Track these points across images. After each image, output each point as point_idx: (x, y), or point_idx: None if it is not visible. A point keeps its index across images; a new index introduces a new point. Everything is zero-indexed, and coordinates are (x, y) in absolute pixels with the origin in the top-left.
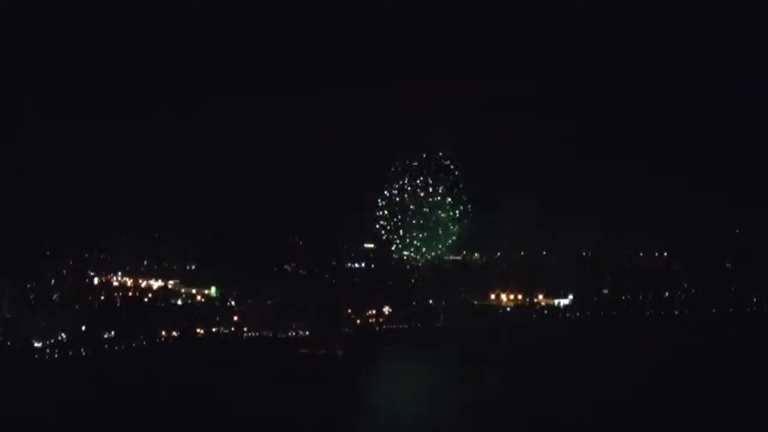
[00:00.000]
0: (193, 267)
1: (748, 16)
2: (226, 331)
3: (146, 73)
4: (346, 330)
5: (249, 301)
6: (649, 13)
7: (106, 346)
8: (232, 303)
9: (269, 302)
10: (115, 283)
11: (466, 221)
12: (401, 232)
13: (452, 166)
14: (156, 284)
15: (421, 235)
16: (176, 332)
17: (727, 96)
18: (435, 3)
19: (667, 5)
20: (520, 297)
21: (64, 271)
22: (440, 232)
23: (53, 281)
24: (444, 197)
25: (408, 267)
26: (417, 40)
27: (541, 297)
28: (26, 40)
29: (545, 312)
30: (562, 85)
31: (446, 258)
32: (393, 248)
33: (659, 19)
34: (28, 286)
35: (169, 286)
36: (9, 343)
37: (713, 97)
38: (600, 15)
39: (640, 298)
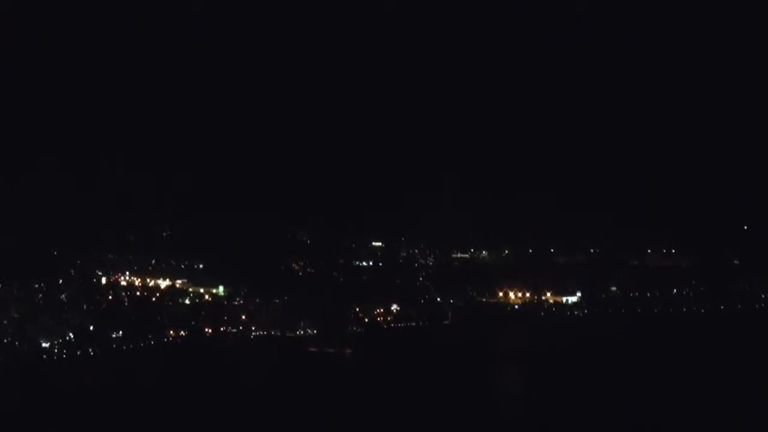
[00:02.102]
0: (200, 266)
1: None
2: (234, 330)
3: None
4: (355, 328)
5: (257, 299)
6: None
7: (114, 345)
8: (240, 302)
9: (277, 301)
10: (123, 283)
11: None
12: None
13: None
14: (164, 284)
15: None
16: (184, 332)
17: (731, 91)
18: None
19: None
20: (528, 294)
21: (72, 271)
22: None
23: (61, 281)
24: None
25: (416, 265)
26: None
27: (549, 294)
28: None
29: (553, 309)
30: (566, 82)
31: (454, 256)
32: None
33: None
34: (36, 286)
35: (177, 286)
36: (17, 343)
37: (717, 92)
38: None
39: (648, 295)
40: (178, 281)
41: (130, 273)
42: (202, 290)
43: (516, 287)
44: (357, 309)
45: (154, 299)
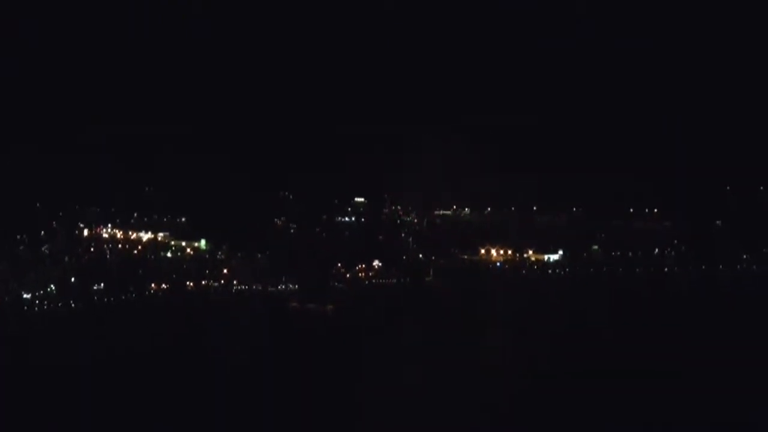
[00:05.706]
0: (183, 219)
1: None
2: (216, 284)
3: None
4: (337, 284)
5: (239, 254)
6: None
7: (95, 298)
8: (222, 256)
9: (259, 256)
10: (105, 236)
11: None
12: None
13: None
14: (146, 237)
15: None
16: (166, 285)
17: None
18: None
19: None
20: (509, 252)
21: (54, 223)
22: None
23: (43, 233)
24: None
25: (398, 222)
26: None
27: (531, 252)
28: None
29: (535, 267)
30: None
31: (436, 213)
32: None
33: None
34: (18, 237)
35: (159, 239)
36: None
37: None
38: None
39: (630, 254)
40: (160, 234)
41: (112, 225)
42: (184, 244)
43: (498, 245)
44: (339, 265)
45: (135, 252)
